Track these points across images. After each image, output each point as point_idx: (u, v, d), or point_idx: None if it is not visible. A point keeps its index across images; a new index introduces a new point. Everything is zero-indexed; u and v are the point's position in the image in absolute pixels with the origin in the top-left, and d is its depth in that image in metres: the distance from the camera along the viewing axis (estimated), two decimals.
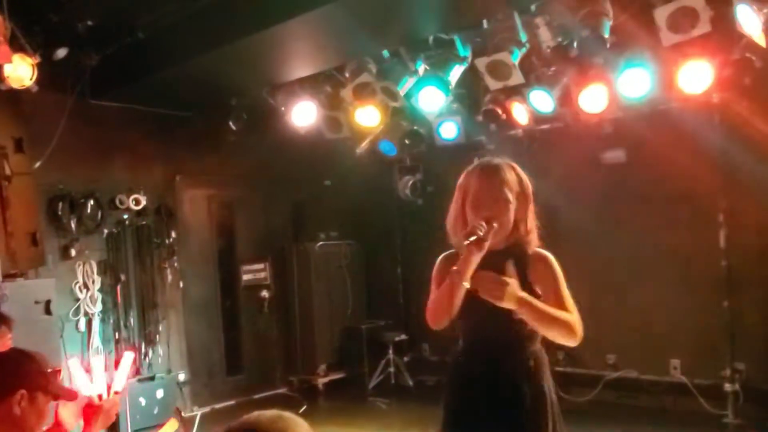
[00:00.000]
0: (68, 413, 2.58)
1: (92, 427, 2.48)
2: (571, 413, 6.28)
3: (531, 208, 2.47)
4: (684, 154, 5.72)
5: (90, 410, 2.48)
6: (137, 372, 6.41)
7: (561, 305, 2.36)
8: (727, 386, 5.70)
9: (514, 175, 2.45)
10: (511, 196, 2.40)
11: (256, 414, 1.39)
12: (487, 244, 2.29)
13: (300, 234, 7.63)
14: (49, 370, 2.28)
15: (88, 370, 2.55)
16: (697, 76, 4.79)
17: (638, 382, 6.31)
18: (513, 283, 2.25)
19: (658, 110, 5.61)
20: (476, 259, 2.29)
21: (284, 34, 4.85)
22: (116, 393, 2.55)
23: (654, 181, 6.11)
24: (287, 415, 1.39)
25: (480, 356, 2.50)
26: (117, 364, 2.63)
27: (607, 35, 4.29)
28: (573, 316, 2.35)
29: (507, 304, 2.24)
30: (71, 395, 2.30)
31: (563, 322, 2.31)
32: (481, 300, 2.27)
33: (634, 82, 4.96)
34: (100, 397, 2.54)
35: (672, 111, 5.55)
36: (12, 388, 2.05)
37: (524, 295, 2.27)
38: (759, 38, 4.19)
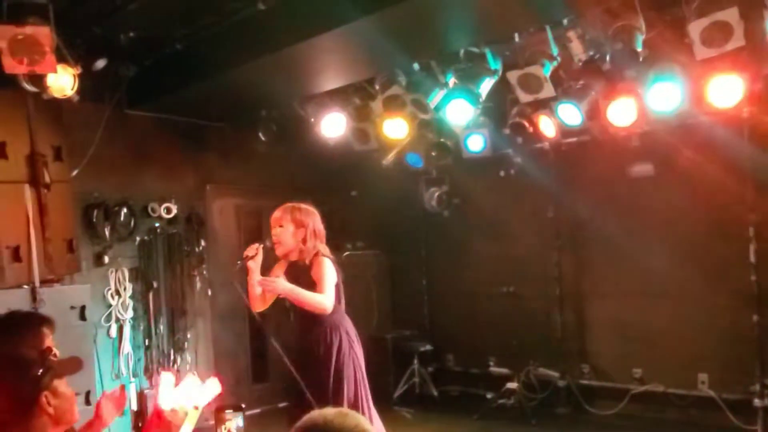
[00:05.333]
0: (109, 408, 2.63)
1: None
2: (597, 426, 6.35)
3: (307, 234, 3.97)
4: (713, 168, 5.74)
5: (158, 421, 2.47)
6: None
7: (319, 287, 3.83)
8: (757, 401, 5.66)
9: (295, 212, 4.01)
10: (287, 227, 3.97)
11: (322, 412, 1.44)
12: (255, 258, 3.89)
13: (327, 244, 7.65)
14: (44, 348, 2.29)
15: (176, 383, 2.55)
16: (728, 91, 4.79)
17: (665, 396, 6.29)
18: (279, 281, 3.85)
19: (687, 124, 5.63)
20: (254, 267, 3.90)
21: (317, 47, 4.93)
22: (195, 408, 2.54)
23: (682, 195, 6.12)
24: (352, 412, 1.44)
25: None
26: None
27: (639, 49, 4.33)
28: (321, 296, 3.80)
29: (279, 292, 3.85)
30: (75, 364, 2.28)
31: (309, 298, 3.80)
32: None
33: (663, 96, 4.97)
34: (171, 411, 2.52)
35: (701, 125, 5.57)
36: (35, 398, 2.05)
37: (286, 287, 3.82)
38: None
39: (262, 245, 3.91)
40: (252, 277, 3.92)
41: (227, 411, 2.87)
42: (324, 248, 4.03)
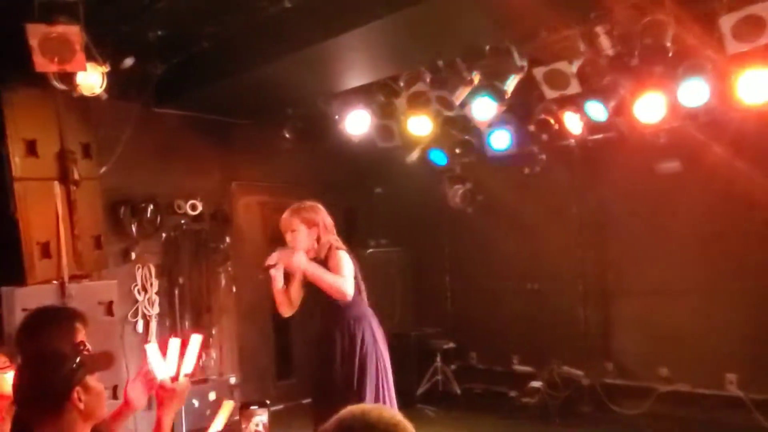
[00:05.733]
0: (137, 392, 2.64)
1: (167, 409, 2.53)
2: (622, 426, 6.29)
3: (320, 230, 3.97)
4: (743, 164, 5.65)
5: (164, 393, 2.54)
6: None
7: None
8: None
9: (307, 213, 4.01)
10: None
11: (359, 406, 1.45)
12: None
13: (350, 241, 7.61)
14: (77, 341, 2.29)
15: (162, 354, 2.62)
16: (759, 86, 4.73)
17: (692, 395, 6.21)
18: (300, 254, 3.83)
19: (716, 120, 5.54)
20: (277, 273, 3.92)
21: (343, 45, 4.94)
22: (186, 376, 2.61)
23: (711, 191, 6.04)
24: (384, 406, 1.46)
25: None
26: (184, 347, 2.70)
27: (668, 44, 4.28)
28: (342, 278, 3.77)
29: (297, 267, 3.82)
30: (107, 359, 2.31)
31: (330, 278, 3.77)
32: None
33: (692, 92, 4.91)
34: (173, 380, 2.60)
35: (731, 121, 5.48)
36: (67, 393, 2.06)
37: (304, 261, 3.80)
38: None
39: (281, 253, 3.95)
40: (274, 285, 3.95)
41: (252, 407, 2.91)
42: (337, 240, 4.00)
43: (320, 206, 4.09)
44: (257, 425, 2.89)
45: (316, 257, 3.93)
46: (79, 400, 2.06)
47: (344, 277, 3.79)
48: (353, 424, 1.38)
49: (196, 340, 2.74)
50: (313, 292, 3.95)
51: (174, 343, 2.68)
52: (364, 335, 3.94)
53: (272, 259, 3.92)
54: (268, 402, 2.66)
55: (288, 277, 3.99)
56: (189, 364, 2.65)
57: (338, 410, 1.38)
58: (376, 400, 3.84)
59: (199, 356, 2.65)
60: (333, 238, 4.01)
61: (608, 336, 6.91)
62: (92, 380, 2.14)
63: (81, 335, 2.69)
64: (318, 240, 3.96)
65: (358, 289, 3.94)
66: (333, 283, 3.78)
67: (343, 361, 3.90)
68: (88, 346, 2.37)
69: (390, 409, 1.47)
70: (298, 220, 3.97)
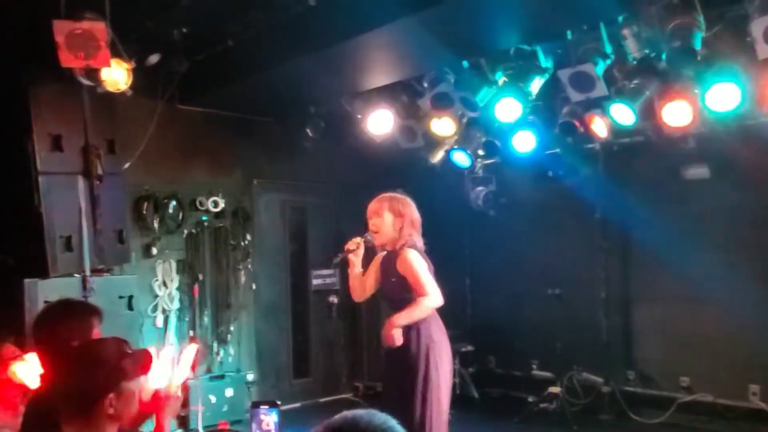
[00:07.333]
0: (172, 409, 2.62)
1: (167, 414, 2.51)
2: None
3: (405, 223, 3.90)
4: None
5: (160, 400, 2.50)
6: (209, 370, 6.60)
7: (417, 286, 3.73)
8: None
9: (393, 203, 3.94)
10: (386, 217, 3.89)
11: (352, 411, 1.44)
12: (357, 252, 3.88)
13: None
14: (126, 350, 2.27)
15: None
16: None
17: (713, 406, 6.10)
18: (391, 320, 3.72)
19: (746, 125, 5.42)
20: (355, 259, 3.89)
21: (366, 44, 4.93)
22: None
23: (740, 199, 5.92)
24: (379, 412, 1.45)
25: None
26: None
27: (698, 48, 4.19)
28: (425, 297, 3.70)
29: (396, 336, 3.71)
30: (145, 363, 2.26)
31: (419, 312, 3.69)
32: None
33: (722, 97, 4.80)
34: (167, 388, 2.57)
35: (762, 126, 5.36)
36: (99, 397, 2.05)
37: (401, 321, 3.70)
38: None
39: (363, 239, 3.89)
40: (351, 270, 3.92)
41: (263, 407, 2.90)
42: (418, 238, 3.93)
43: (411, 201, 4.04)
44: (269, 425, 2.88)
45: (393, 250, 3.88)
46: (110, 405, 2.06)
47: (426, 293, 3.70)
48: (342, 425, 1.37)
49: (192, 349, 2.72)
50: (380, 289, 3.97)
51: (190, 349, 2.66)
52: (429, 346, 3.76)
53: (352, 244, 3.87)
54: (278, 402, 2.63)
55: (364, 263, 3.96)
56: (182, 373, 2.61)
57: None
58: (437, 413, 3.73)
59: (194, 366, 2.61)
60: (416, 236, 3.94)
61: (629, 343, 6.81)
62: (127, 384, 2.13)
63: (96, 330, 2.71)
64: (401, 231, 3.88)
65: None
66: (424, 313, 3.71)
67: (406, 371, 3.74)
68: (130, 346, 2.34)
69: (382, 415, 1.45)
70: (386, 207, 3.91)
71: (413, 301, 3.74)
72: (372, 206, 3.96)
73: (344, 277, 7.72)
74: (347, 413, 1.41)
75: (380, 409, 1.46)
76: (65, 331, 2.54)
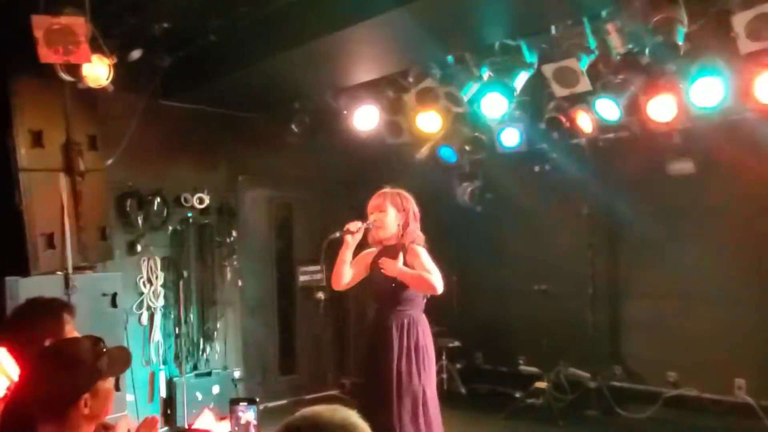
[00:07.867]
0: None
1: None
2: (628, 430, 6.20)
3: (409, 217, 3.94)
4: (759, 166, 5.54)
5: (151, 420, 2.39)
6: (195, 367, 6.58)
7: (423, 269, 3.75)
8: None
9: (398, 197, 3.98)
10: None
11: (312, 408, 1.42)
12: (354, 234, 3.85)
13: None
14: (101, 349, 2.24)
15: None
16: None
17: (700, 400, 6.12)
18: (400, 265, 3.75)
19: (731, 120, 5.42)
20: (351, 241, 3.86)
21: (350, 39, 4.89)
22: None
23: (724, 194, 5.93)
24: (343, 408, 1.43)
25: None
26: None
27: (681, 42, 4.18)
28: (431, 274, 3.73)
29: (393, 270, 3.74)
30: (123, 363, 2.25)
31: (420, 278, 3.72)
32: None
33: (706, 92, 4.81)
34: None
35: (746, 122, 5.36)
36: (75, 398, 2.03)
37: (402, 270, 3.74)
38: None
39: (365, 224, 3.88)
40: (344, 251, 3.88)
41: (241, 404, 2.88)
42: (421, 236, 3.97)
43: (411, 197, 4.07)
44: (249, 421, 2.86)
45: (397, 244, 3.90)
46: (85, 405, 2.04)
47: (432, 272, 3.74)
48: (301, 424, 1.35)
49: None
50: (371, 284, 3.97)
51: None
52: (417, 339, 3.82)
53: (354, 225, 3.85)
54: (257, 399, 2.61)
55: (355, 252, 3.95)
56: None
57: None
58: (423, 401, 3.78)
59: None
60: (418, 230, 3.97)
61: (617, 339, 6.82)
62: (103, 383, 2.12)
63: (69, 326, 2.67)
64: (405, 225, 3.92)
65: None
66: (427, 279, 3.71)
67: (389, 365, 3.77)
68: (105, 344, 2.28)
69: (345, 410, 1.43)
70: (388, 203, 3.94)
71: (410, 296, 3.81)
72: (373, 201, 3.98)
73: (331, 273, 7.81)
74: (306, 411, 1.39)
75: (361, 404, 1.44)
76: (37, 329, 2.51)
